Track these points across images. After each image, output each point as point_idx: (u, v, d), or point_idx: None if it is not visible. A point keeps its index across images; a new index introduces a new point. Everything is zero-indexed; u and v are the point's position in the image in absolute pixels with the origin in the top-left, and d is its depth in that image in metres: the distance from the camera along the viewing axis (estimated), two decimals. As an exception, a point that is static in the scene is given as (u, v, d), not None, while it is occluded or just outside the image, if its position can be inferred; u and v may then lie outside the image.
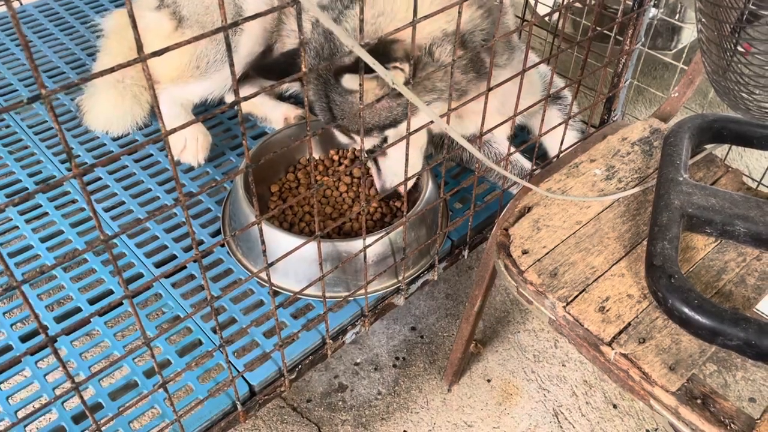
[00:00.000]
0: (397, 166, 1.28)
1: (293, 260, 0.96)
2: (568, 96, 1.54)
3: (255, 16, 0.68)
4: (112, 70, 0.60)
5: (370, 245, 1.06)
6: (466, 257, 1.37)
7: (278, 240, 1.19)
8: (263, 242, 0.84)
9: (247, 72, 1.58)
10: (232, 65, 0.67)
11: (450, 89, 1.00)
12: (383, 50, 1.07)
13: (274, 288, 1.19)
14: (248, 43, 1.50)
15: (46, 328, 0.65)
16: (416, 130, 0.95)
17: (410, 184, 1.21)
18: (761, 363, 0.95)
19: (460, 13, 0.90)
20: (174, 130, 0.66)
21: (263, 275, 1.21)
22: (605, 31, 1.59)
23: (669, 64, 2.18)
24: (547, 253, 1.15)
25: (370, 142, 1.25)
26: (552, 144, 1.51)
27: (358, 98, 0.84)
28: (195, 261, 0.85)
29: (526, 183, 1.13)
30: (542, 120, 1.27)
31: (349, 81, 1.12)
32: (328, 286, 1.20)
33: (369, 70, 1.07)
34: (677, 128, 1.30)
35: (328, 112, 1.24)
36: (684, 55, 1.88)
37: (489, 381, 1.70)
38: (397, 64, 1.10)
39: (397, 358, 1.75)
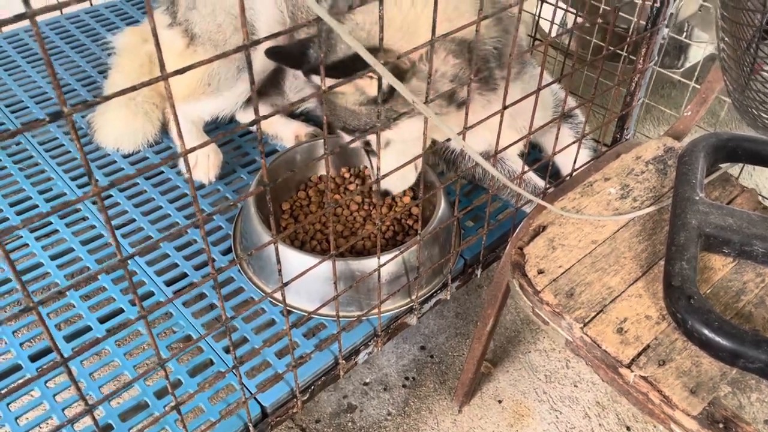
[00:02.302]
0: (389, 169, 1.28)
1: (306, 279, 0.95)
2: (580, 114, 1.54)
3: (273, 36, 0.67)
4: (134, 88, 0.59)
5: (384, 264, 1.05)
6: (478, 276, 1.36)
7: (290, 259, 1.18)
8: (279, 262, 0.83)
9: (260, 89, 1.58)
10: (252, 83, 0.67)
11: (468, 104, 1.00)
12: (362, 61, 1.07)
13: (287, 308, 1.18)
14: (261, 59, 1.50)
15: (61, 352, 0.64)
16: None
17: (399, 190, 1.21)
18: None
19: (477, 31, 0.90)
20: (193, 149, 0.65)
21: (277, 295, 1.20)
22: (618, 51, 1.59)
23: (677, 82, 2.18)
24: (563, 273, 1.13)
25: (354, 143, 1.26)
26: (564, 162, 1.51)
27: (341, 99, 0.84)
28: (210, 282, 0.84)
29: (541, 201, 1.12)
30: (556, 138, 1.26)
31: (315, 79, 1.11)
32: (340, 305, 1.19)
33: (345, 75, 1.07)
34: (692, 147, 1.29)
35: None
36: (696, 74, 1.88)
37: (500, 402, 1.68)
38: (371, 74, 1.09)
39: (406, 378, 1.73)
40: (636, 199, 1.27)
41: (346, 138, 1.25)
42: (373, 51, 1.06)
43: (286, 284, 0.86)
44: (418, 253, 1.13)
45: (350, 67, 1.06)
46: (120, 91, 0.58)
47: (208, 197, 1.48)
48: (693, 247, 1.09)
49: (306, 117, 1.66)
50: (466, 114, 0.97)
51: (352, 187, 1.44)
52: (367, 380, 1.72)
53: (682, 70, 2.27)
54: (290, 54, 1.21)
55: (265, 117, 0.71)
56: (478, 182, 1.52)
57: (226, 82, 1.49)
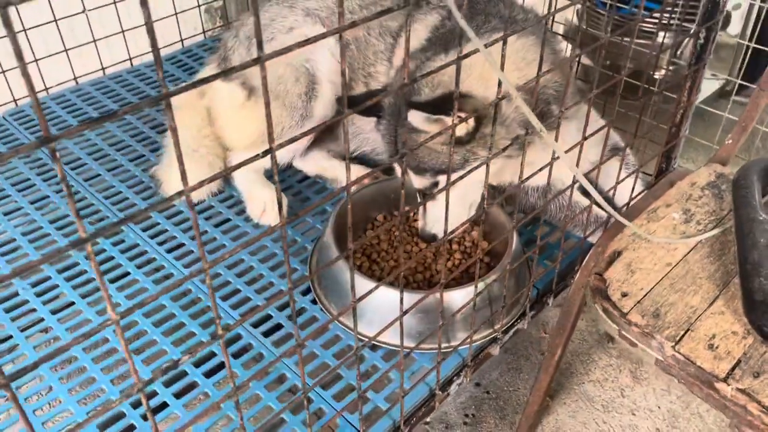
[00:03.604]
0: (442, 213, 1.32)
1: (394, 315, 0.97)
2: (627, 148, 1.61)
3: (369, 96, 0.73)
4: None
5: (479, 292, 1.08)
6: (551, 305, 1.40)
7: (379, 296, 1.22)
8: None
9: (317, 137, 1.64)
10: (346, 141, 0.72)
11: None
12: (451, 102, 1.13)
13: (374, 342, 1.21)
14: (321, 108, 1.57)
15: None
16: (459, 178, 0.95)
17: (452, 230, 1.24)
18: None
19: (537, 82, 0.97)
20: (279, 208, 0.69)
21: (369, 333, 1.23)
22: (665, 92, 1.68)
23: (704, 112, 2.25)
24: (645, 295, 1.18)
25: (422, 182, 1.31)
26: (618, 194, 1.57)
27: (421, 136, 0.89)
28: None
29: (626, 221, 1.17)
30: (619, 172, 1.33)
31: (414, 116, 1.16)
32: (427, 338, 1.22)
33: (434, 112, 1.13)
34: (745, 171, 1.35)
35: (393, 145, 1.30)
36: (729, 105, 1.97)
37: (563, 433, 1.69)
38: (462, 114, 1.15)
39: (466, 415, 1.74)
40: (699, 222, 1.33)
41: (415, 178, 1.31)
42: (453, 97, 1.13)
43: (389, 325, 0.89)
44: (505, 283, 1.17)
45: (441, 107, 1.13)
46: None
47: (278, 241, 1.52)
48: (766, 263, 1.14)
49: (360, 160, 1.72)
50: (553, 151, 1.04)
51: (416, 224, 1.49)
52: (428, 419, 1.72)
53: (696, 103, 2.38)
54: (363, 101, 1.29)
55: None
56: (539, 216, 1.57)
57: (289, 131, 1.55)
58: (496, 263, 1.42)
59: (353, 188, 1.61)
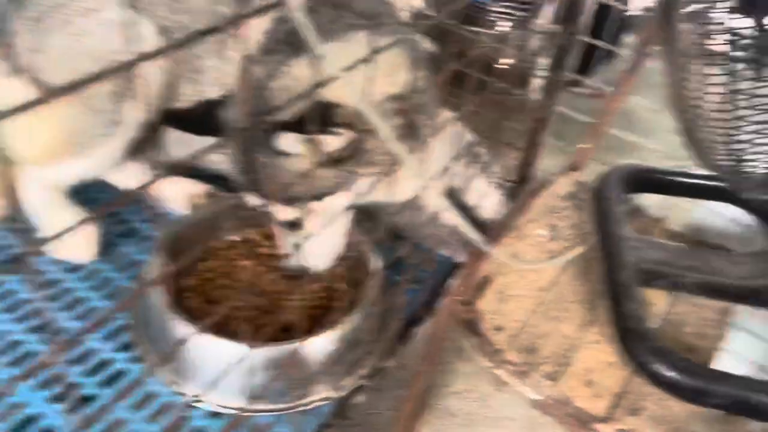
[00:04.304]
0: (312, 245, 1.14)
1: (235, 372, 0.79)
2: (485, 154, 1.52)
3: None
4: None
5: (344, 337, 0.91)
6: (417, 336, 1.27)
7: (209, 348, 1.00)
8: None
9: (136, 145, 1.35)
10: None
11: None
12: (322, 113, 0.95)
13: (214, 410, 1.00)
14: (137, 112, 1.28)
15: None
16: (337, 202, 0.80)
17: (324, 267, 1.07)
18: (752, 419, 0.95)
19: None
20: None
21: (210, 398, 1.01)
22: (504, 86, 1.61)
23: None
24: (520, 327, 1.08)
25: (289, 213, 1.11)
26: (480, 203, 1.47)
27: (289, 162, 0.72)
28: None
29: (489, 248, 1.06)
30: (480, 183, 1.22)
31: (285, 140, 0.97)
32: (276, 396, 1.03)
33: (307, 131, 0.95)
34: (603, 181, 1.32)
35: (249, 174, 1.07)
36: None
37: (430, 455, 1.60)
38: (339, 130, 0.98)
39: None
40: (566, 239, 1.27)
41: (281, 210, 1.10)
42: (324, 107, 0.95)
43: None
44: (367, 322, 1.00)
45: (313, 123, 0.93)
46: None
47: (87, 280, 1.22)
48: (635, 284, 1.10)
49: (195, 173, 1.45)
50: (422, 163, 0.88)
51: (264, 250, 1.28)
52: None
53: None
54: (193, 116, 1.05)
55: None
56: (402, 233, 1.43)
57: (97, 139, 1.25)
58: (353, 288, 1.26)
59: (189, 208, 1.34)
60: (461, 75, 1.56)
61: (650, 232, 1.34)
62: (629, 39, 2.22)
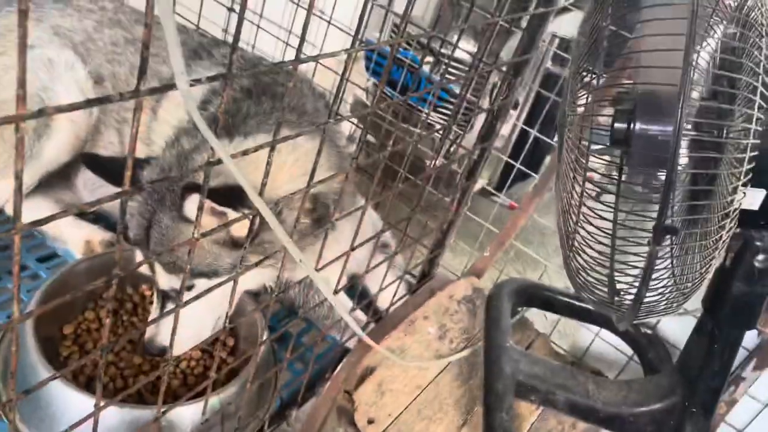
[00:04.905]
0: (180, 326, 1.10)
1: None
2: (393, 244, 1.57)
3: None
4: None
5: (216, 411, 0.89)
6: (293, 418, 1.25)
7: (70, 401, 0.96)
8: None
9: (42, 180, 1.33)
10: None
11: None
12: (236, 195, 0.96)
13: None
14: (54, 150, 1.28)
15: None
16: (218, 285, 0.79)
17: (185, 350, 1.00)
18: None
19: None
20: None
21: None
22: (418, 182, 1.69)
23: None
24: (392, 423, 1.10)
25: (170, 282, 1.09)
26: (379, 293, 1.51)
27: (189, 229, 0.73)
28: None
29: (373, 343, 1.08)
30: (385, 275, 1.26)
31: (193, 203, 0.96)
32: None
33: (222, 203, 0.95)
34: (497, 291, 1.38)
35: (144, 232, 1.06)
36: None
37: None
38: (246, 211, 1.00)
39: None
40: (452, 340, 1.31)
41: (163, 276, 1.08)
42: (236, 188, 0.95)
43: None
44: (244, 396, 0.99)
45: (229, 199, 0.94)
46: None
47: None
48: (509, 395, 1.14)
49: (97, 218, 1.43)
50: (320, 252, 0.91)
51: (152, 307, 1.26)
52: None
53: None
54: (112, 169, 1.05)
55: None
56: (296, 310, 1.43)
57: (4, 170, 1.23)
58: (236, 355, 1.25)
59: (86, 253, 1.30)
60: (387, 165, 1.63)
61: (536, 347, 1.40)
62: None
